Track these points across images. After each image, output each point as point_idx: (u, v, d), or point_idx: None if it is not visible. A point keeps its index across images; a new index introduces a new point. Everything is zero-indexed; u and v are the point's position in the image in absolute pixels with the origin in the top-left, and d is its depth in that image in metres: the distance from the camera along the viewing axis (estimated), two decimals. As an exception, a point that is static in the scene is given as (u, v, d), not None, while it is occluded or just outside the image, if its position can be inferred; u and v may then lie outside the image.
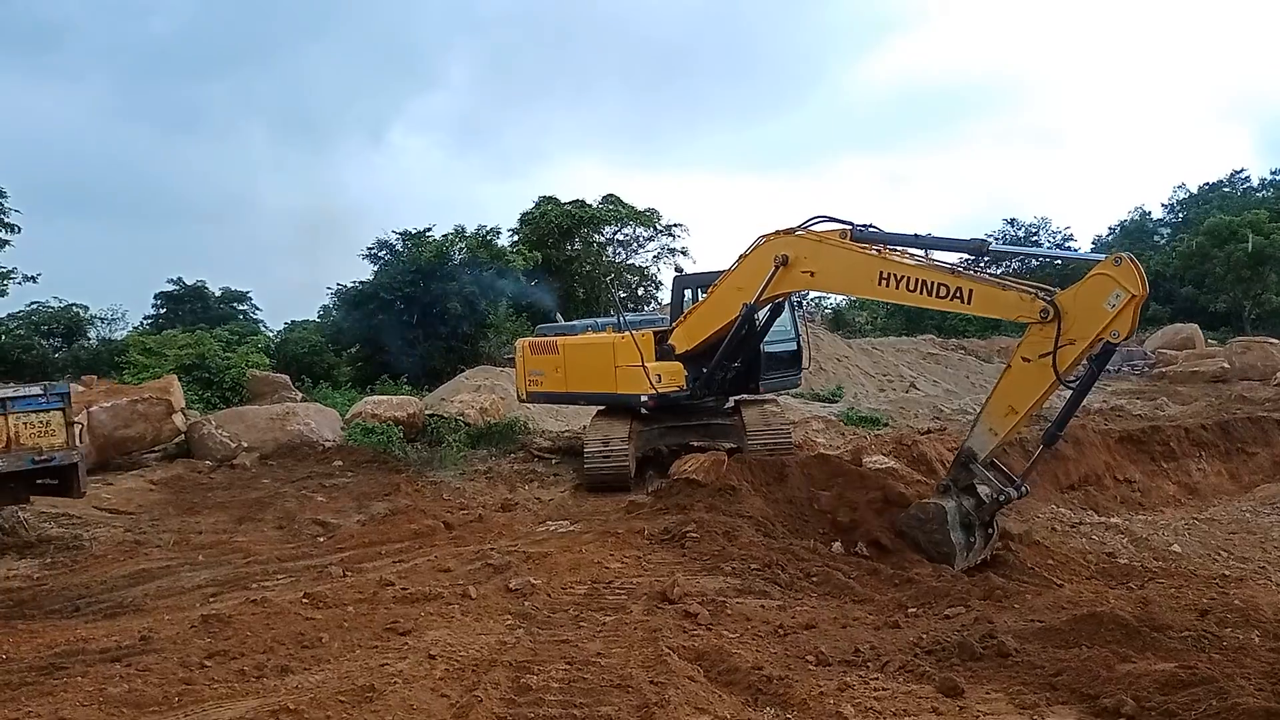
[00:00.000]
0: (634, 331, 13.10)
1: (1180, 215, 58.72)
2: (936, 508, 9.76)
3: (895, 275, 10.12)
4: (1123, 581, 9.84)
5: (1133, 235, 60.37)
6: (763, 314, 12.57)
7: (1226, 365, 27.77)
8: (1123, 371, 29.48)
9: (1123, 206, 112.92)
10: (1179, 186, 61.51)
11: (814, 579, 8.51)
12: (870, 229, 10.81)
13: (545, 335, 15.36)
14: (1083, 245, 56.73)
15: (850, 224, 10.90)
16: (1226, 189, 59.00)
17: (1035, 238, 52.99)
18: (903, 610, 7.24)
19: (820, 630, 6.64)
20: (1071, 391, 9.31)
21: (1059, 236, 53.04)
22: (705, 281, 13.37)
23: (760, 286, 11.42)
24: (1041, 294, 9.11)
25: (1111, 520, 14.52)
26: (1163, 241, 56.33)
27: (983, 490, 9.73)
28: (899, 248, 10.54)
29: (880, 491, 10.89)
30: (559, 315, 17.43)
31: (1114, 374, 29.02)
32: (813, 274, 11.14)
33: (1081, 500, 16.16)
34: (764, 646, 6.29)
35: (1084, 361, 9.11)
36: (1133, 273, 8.60)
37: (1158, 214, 61.74)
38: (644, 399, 12.90)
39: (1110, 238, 62.08)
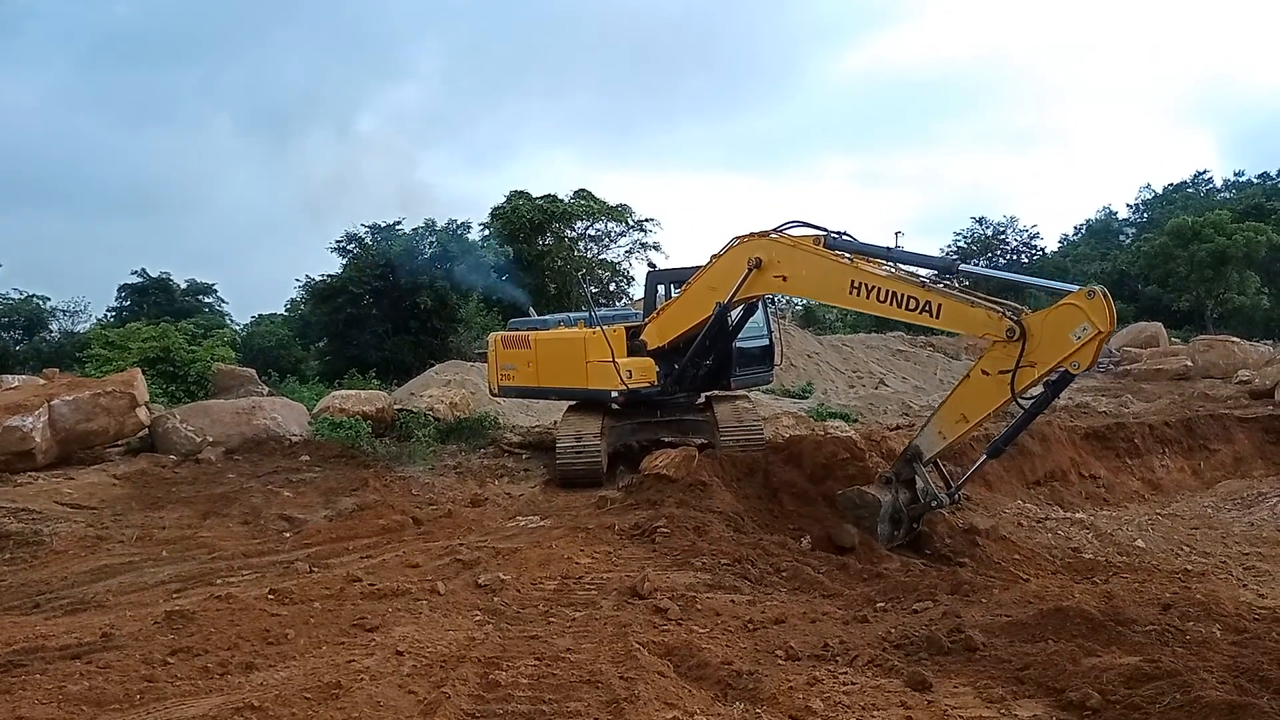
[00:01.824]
0: (606, 327, 13.11)
1: (1145, 215, 59.59)
2: (873, 499, 10.12)
3: (866, 285, 10.24)
4: (1088, 576, 9.96)
5: (1098, 235, 61.21)
6: (736, 313, 12.61)
7: (1190, 363, 28.14)
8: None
9: (1089, 206, 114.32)
10: (1144, 187, 62.60)
11: (784, 574, 8.54)
12: (844, 237, 10.87)
13: (518, 329, 15.30)
14: (1049, 244, 57.52)
15: (825, 230, 10.95)
16: (1190, 190, 60.00)
17: (1003, 237, 53.63)
18: (871, 605, 7.28)
19: (790, 625, 6.65)
20: (1026, 408, 9.52)
21: (1026, 235, 53.66)
22: (679, 277, 13.38)
23: (733, 287, 11.47)
24: (1009, 313, 9.24)
25: (1077, 516, 14.69)
26: (1128, 241, 57.09)
27: (919, 489, 10.10)
28: (871, 258, 10.64)
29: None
30: (532, 309, 17.35)
31: (1079, 371, 29.29)
32: (785, 278, 11.20)
33: (1047, 496, 16.31)
34: (734, 641, 6.30)
35: (1042, 383, 9.31)
36: (1103, 309, 8.70)
37: (1123, 214, 62.67)
38: (614, 394, 12.95)
39: (1077, 237, 62.94)
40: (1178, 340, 33.82)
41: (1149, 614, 6.34)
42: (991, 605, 6.91)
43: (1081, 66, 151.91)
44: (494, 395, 16.13)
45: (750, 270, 11.26)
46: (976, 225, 54.34)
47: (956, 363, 29.69)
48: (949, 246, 54.86)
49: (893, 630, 6.32)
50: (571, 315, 15.54)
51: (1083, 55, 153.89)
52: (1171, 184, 61.54)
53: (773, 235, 11.26)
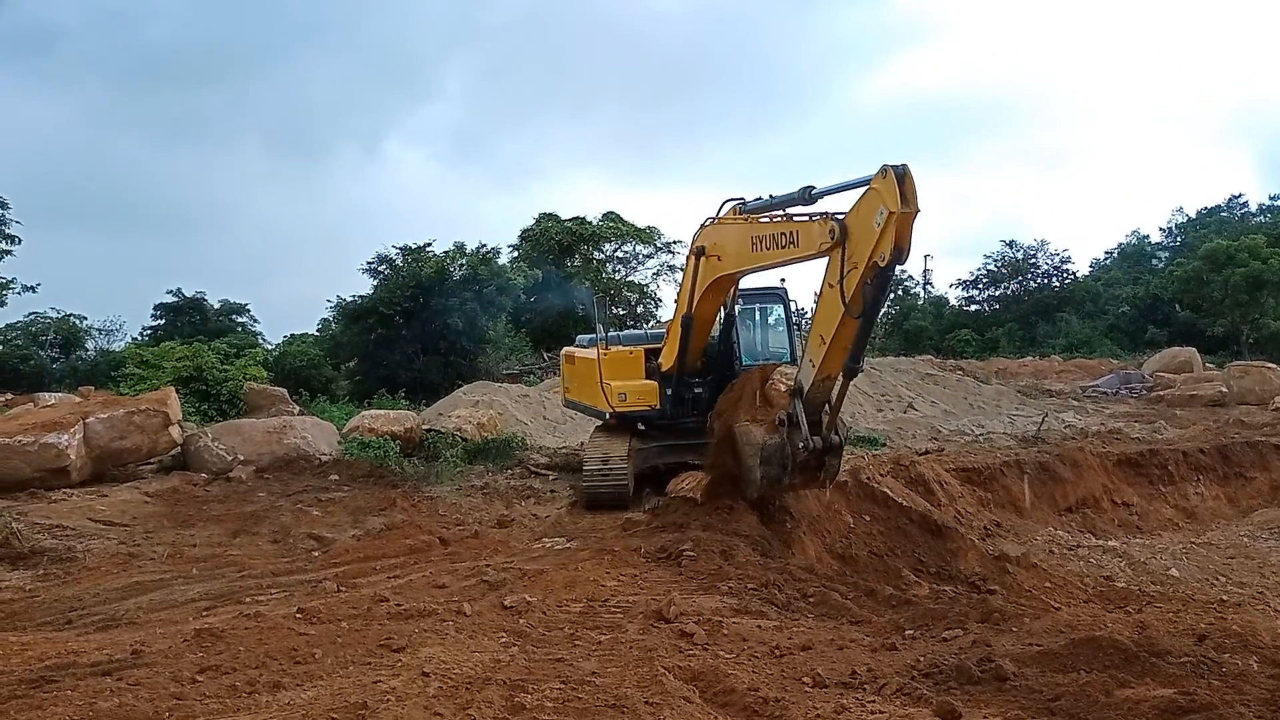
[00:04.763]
0: (626, 347, 13.52)
1: (1178, 239, 59.00)
2: (755, 438, 9.88)
3: (758, 236, 10.23)
4: (1120, 605, 9.80)
5: (1131, 259, 60.68)
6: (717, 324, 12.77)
7: (1224, 389, 27.77)
8: (1120, 394, 29.50)
9: (1121, 230, 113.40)
10: (1177, 210, 61.94)
11: (811, 599, 8.47)
12: (758, 200, 10.88)
13: (580, 345, 15.67)
14: (1081, 268, 56.96)
15: (741, 199, 11.07)
16: (1224, 214, 59.35)
17: (1034, 260, 53.17)
18: (900, 632, 7.19)
19: (817, 651, 6.59)
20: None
21: (1057, 259, 53.21)
22: None
23: (690, 288, 11.60)
24: (835, 217, 8.82)
25: (1109, 543, 14.51)
26: (1161, 265, 56.53)
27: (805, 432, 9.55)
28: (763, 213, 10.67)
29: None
30: (600, 326, 17.55)
31: (1111, 396, 29.04)
32: (720, 258, 11.18)
33: (1079, 523, 16.14)
34: (760, 667, 6.25)
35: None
36: (893, 186, 7.96)
37: (1156, 238, 62.14)
38: (607, 415, 13.32)
39: (1108, 260, 62.40)
40: (1212, 366, 33.43)
41: (1184, 645, 6.22)
42: (1022, 634, 6.81)
43: (1113, 88, 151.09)
44: (564, 405, 17.40)
45: (698, 260, 11.35)
46: (1007, 249, 54.03)
47: (986, 387, 29.45)
48: (979, 269, 54.72)
49: (922, 658, 6.24)
50: (623, 334, 15.78)
51: (1114, 77, 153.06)
52: (1205, 208, 61.04)
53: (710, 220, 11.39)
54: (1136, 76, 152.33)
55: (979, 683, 5.70)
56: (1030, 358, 40.74)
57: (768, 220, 10.28)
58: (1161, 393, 28.83)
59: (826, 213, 9.15)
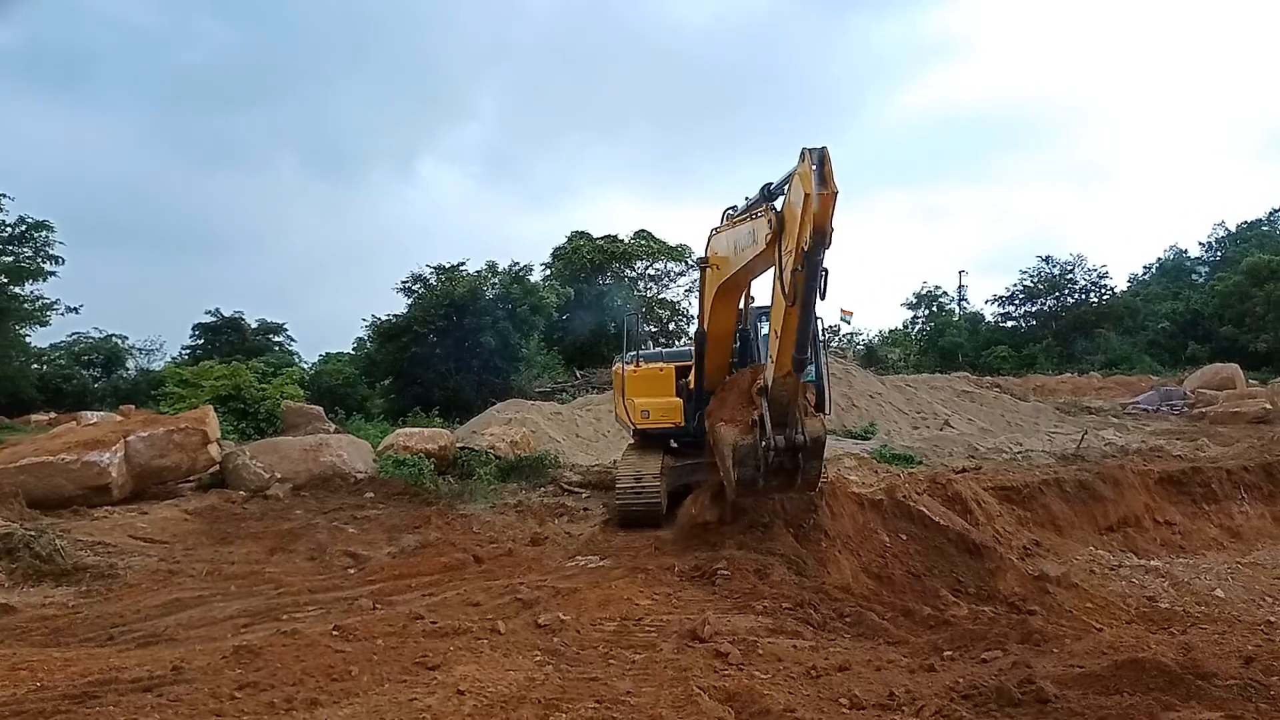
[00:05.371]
0: (654, 364, 13.68)
1: (1218, 254, 58.12)
2: (731, 440, 9.59)
3: (736, 239, 10.22)
4: (1164, 626, 9.63)
5: (1170, 274, 59.86)
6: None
7: (1269, 406, 27.24)
8: (1161, 411, 29.05)
9: (1159, 244, 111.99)
10: (1217, 224, 60.97)
11: (847, 619, 8.40)
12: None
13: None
14: (1119, 283, 56.21)
15: (735, 206, 11.02)
16: (1265, 227, 58.38)
17: (1070, 275, 52.58)
18: (938, 653, 7.11)
19: (854, 672, 6.52)
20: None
21: (1094, 274, 52.55)
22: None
23: (699, 303, 11.61)
24: (773, 208, 8.81)
25: (1152, 563, 14.26)
26: (1201, 280, 55.71)
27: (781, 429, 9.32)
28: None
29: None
30: (650, 342, 17.67)
31: (1152, 413, 28.61)
32: (718, 266, 11.11)
33: (1121, 542, 15.86)
34: (796, 688, 6.19)
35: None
36: (809, 168, 7.87)
37: (1195, 252, 61.27)
38: (632, 432, 13.40)
39: (1147, 276, 61.60)
40: (1255, 382, 32.87)
41: (1230, 667, 6.09)
42: (1064, 656, 6.70)
43: (1149, 101, 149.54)
44: (616, 420, 17.05)
45: (703, 271, 11.39)
46: (1043, 264, 53.50)
47: (1024, 404, 29.11)
48: (1015, 285, 54.23)
49: (961, 680, 6.16)
50: (665, 351, 15.80)
51: (1150, 90, 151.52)
52: (1245, 222, 60.01)
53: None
54: (1174, 89, 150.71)
55: (1019, 705, 5.61)
56: (1069, 374, 40.27)
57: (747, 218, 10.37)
58: (1203, 410, 28.34)
59: (771, 205, 9.19)
